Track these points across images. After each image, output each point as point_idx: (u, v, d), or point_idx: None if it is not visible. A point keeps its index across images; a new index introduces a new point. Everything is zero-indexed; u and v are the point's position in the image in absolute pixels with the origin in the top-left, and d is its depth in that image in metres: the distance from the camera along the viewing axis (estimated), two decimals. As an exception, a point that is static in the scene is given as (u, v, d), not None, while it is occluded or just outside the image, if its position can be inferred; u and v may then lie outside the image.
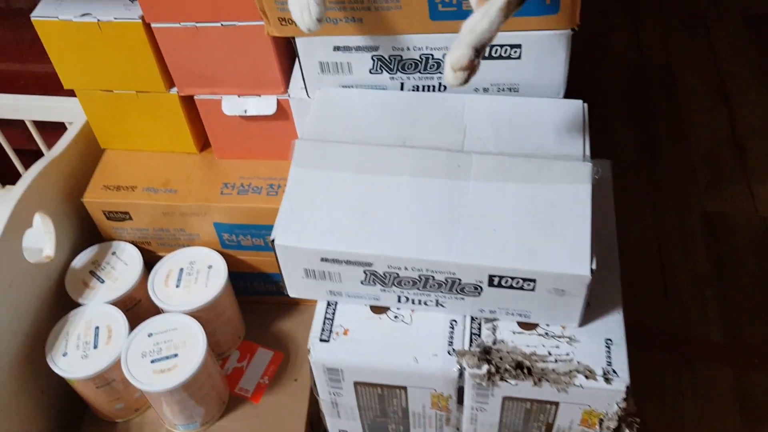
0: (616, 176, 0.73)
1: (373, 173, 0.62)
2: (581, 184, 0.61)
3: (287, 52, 0.75)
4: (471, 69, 0.54)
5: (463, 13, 0.63)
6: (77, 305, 0.79)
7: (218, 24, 0.71)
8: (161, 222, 0.82)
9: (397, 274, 0.60)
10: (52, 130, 0.97)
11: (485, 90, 0.69)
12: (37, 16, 0.73)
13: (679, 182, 1.23)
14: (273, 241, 0.60)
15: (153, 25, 0.72)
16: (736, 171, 1.24)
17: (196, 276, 0.81)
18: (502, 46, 0.65)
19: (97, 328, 0.77)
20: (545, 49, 0.65)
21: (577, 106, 0.68)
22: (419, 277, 0.60)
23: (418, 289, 0.61)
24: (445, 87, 0.70)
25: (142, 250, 0.84)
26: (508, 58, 0.66)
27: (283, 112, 0.78)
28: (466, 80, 0.54)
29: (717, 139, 1.29)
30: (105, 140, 0.86)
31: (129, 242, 0.85)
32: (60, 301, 0.81)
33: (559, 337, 0.62)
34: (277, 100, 0.77)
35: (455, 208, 0.60)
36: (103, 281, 0.81)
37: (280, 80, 0.76)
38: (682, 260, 1.12)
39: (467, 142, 0.65)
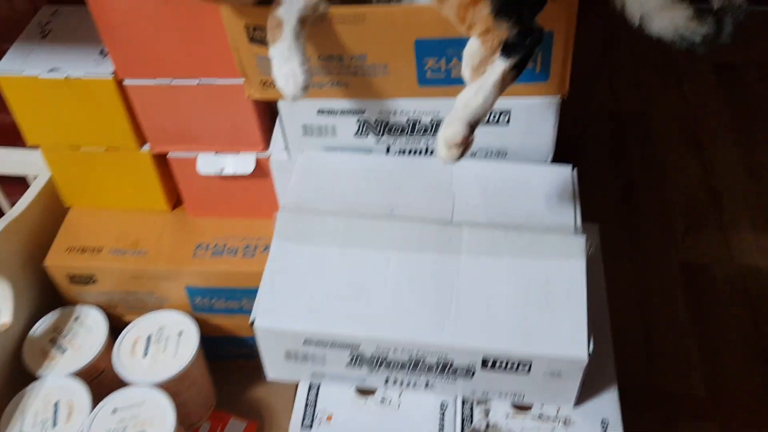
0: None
1: (359, 247, 0.59)
2: (575, 259, 0.58)
3: (267, 109, 0.72)
4: (465, 145, 0.52)
5: (451, 80, 0.61)
6: (35, 378, 0.73)
7: (195, 82, 0.68)
8: (129, 285, 0.77)
9: (386, 356, 0.57)
10: (14, 182, 0.91)
11: (473, 154, 0.67)
12: (1, 71, 0.69)
13: (657, 232, 1.23)
14: (252, 323, 0.56)
15: (126, 81, 0.69)
16: (711, 218, 1.25)
17: (165, 343, 0.76)
18: (491, 112, 0.64)
19: (56, 403, 0.71)
20: (534, 116, 0.64)
21: (566, 172, 0.66)
22: (409, 359, 0.57)
23: (408, 370, 0.58)
24: (431, 151, 0.67)
25: (108, 315, 0.79)
26: (497, 123, 0.65)
27: (261, 169, 0.74)
28: (461, 156, 0.52)
29: (692, 186, 1.30)
30: (70, 198, 0.81)
31: (94, 306, 0.79)
32: (17, 374, 0.75)
33: (554, 419, 0.59)
34: (256, 158, 0.73)
35: (447, 284, 0.57)
36: (64, 350, 0.76)
37: (259, 138, 0.72)
38: (662, 313, 1.11)
39: (456, 210, 0.63)
